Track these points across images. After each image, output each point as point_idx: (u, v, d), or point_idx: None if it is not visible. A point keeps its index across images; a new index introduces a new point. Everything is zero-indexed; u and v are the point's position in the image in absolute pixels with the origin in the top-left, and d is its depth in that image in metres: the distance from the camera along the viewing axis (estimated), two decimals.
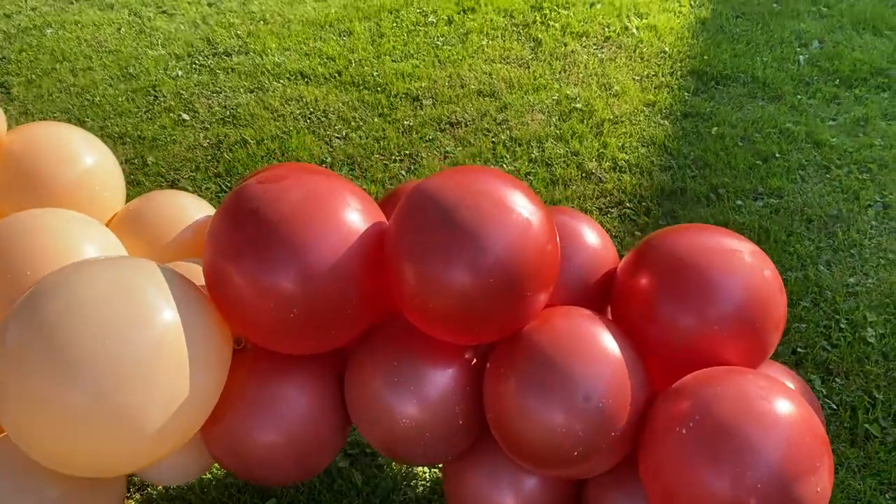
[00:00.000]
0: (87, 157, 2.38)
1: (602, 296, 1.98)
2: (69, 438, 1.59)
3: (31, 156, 2.29)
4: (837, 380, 2.74)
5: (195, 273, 1.99)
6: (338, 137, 4.28)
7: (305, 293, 1.69)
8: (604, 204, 3.65)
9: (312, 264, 1.68)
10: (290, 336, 1.79)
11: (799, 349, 2.86)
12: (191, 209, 2.45)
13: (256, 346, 1.99)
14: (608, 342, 1.71)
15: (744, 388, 1.60)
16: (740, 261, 1.75)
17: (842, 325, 2.93)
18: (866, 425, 2.57)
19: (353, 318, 1.80)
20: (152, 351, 1.62)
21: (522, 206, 1.69)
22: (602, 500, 1.90)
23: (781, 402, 1.57)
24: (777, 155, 3.85)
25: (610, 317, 1.97)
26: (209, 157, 4.20)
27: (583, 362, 1.65)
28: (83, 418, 1.56)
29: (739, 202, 3.57)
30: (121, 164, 4.30)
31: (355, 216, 1.77)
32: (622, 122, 4.17)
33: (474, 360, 1.92)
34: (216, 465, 2.26)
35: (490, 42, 5.00)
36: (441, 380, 1.84)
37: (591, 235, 2.02)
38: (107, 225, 2.38)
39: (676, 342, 1.74)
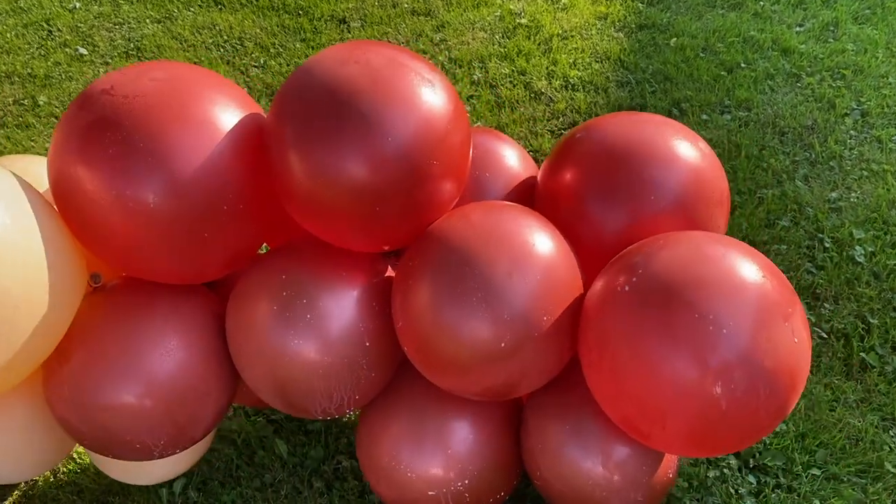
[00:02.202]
0: None
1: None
2: None
3: None
4: (826, 305, 2.41)
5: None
6: (255, 66, 3.80)
7: (169, 201, 1.38)
8: (556, 126, 3.25)
9: (183, 164, 1.37)
10: (153, 256, 1.46)
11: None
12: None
13: (120, 281, 1.64)
14: (532, 224, 1.46)
15: (692, 238, 1.39)
16: (673, 139, 1.54)
17: (826, 245, 2.60)
18: (862, 354, 2.26)
19: (232, 230, 1.48)
20: None
21: (423, 68, 1.42)
22: (544, 434, 1.62)
23: (736, 248, 1.35)
24: (742, 65, 3.49)
25: None
26: None
27: (504, 244, 1.42)
28: None
29: (705, 117, 3.20)
30: (7, 105, 3.79)
31: (227, 102, 1.47)
32: (572, 36, 3.76)
33: (381, 273, 1.63)
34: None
35: None
36: (340, 294, 1.53)
37: (506, 149, 1.80)
38: None
39: (609, 235, 1.55)
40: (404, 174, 1.37)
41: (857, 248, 2.57)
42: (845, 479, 2.00)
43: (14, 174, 1.43)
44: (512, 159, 1.77)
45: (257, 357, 1.53)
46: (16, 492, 2.10)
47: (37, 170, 1.94)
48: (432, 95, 1.39)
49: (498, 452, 1.66)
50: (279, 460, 2.13)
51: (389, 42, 1.53)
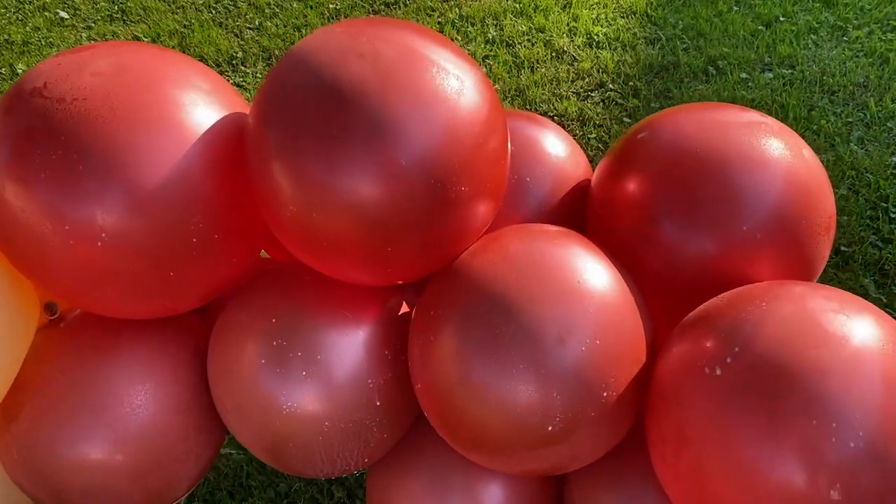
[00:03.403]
0: None
1: (574, 219, 1.39)
2: None
3: None
4: None
5: None
6: (250, 28, 3.52)
7: (130, 229, 1.06)
8: (582, 87, 2.98)
9: (139, 185, 1.05)
10: (108, 293, 1.14)
11: (842, 248, 2.28)
12: None
13: (79, 313, 1.34)
14: (589, 265, 1.12)
15: (802, 302, 1.03)
16: (771, 142, 1.19)
17: (892, 215, 2.35)
18: None
19: (206, 264, 1.16)
20: None
21: (447, 59, 1.07)
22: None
23: (862, 320, 0.99)
24: (781, 18, 3.21)
25: None
26: None
27: (554, 293, 1.08)
28: None
29: (745, 75, 2.93)
30: None
31: (197, 100, 1.12)
32: None
33: (395, 311, 1.31)
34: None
35: None
36: (344, 342, 1.21)
37: (553, 143, 1.42)
38: None
39: (686, 265, 1.21)
40: (424, 196, 1.05)
41: None
42: None
43: None
44: (559, 155, 1.42)
45: (244, 415, 1.24)
46: None
47: None
48: (460, 94, 1.07)
49: None
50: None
51: (403, 20, 1.16)
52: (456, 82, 1.06)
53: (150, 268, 1.09)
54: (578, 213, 1.40)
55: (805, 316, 1.01)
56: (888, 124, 2.67)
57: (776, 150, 1.20)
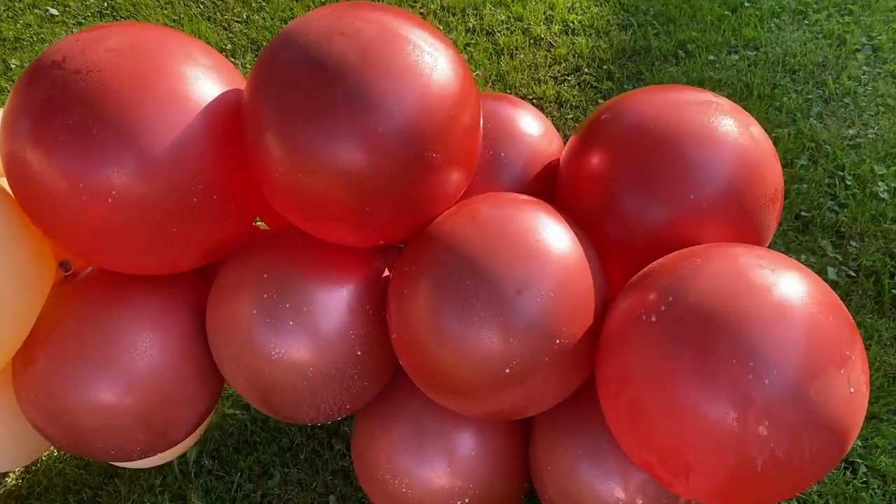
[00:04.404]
0: None
1: (545, 193, 1.48)
2: None
3: None
4: (852, 243, 2.34)
5: None
6: (238, 21, 3.63)
7: (138, 189, 1.18)
8: (559, 72, 3.13)
9: (146, 148, 1.17)
10: (116, 248, 1.26)
11: (803, 213, 2.44)
12: None
13: (91, 269, 1.46)
14: (549, 228, 1.23)
15: (734, 259, 1.14)
16: (721, 120, 1.30)
17: (847, 182, 2.52)
18: (893, 291, 2.19)
19: (205, 224, 1.29)
20: None
21: (423, 38, 1.20)
22: (554, 452, 1.40)
23: (789, 274, 1.11)
24: (746, 3, 3.37)
25: None
26: None
27: (514, 253, 1.20)
28: None
29: (712, 57, 3.09)
30: None
31: (199, 75, 1.25)
32: None
33: (378, 271, 1.43)
34: None
35: None
36: (329, 296, 1.33)
37: (528, 122, 1.53)
38: None
39: (643, 236, 1.32)
40: (402, 162, 1.17)
41: (881, 183, 2.49)
42: (885, 417, 1.94)
43: None
44: (533, 134, 1.53)
45: (237, 363, 1.37)
46: (19, 468, 1.98)
47: None
48: (434, 69, 1.18)
49: (506, 464, 1.49)
50: (296, 424, 2.02)
51: (383, 4, 1.29)
52: (430, 59, 1.17)
53: (154, 225, 1.21)
54: (550, 188, 1.51)
55: (734, 271, 1.11)
56: (845, 100, 2.84)
57: (726, 127, 1.30)
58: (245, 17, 3.64)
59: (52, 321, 1.36)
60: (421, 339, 1.24)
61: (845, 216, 2.41)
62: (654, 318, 1.12)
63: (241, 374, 1.37)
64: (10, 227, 1.25)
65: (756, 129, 1.34)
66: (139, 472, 1.94)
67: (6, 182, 1.31)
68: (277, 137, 1.16)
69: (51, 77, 1.18)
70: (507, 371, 1.19)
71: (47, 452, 2.01)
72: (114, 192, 1.16)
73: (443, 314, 1.20)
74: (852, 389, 1.08)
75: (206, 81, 1.24)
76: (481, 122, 1.32)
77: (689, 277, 1.13)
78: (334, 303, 1.33)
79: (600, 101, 2.98)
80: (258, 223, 1.72)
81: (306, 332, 1.30)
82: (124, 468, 1.96)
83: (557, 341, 1.19)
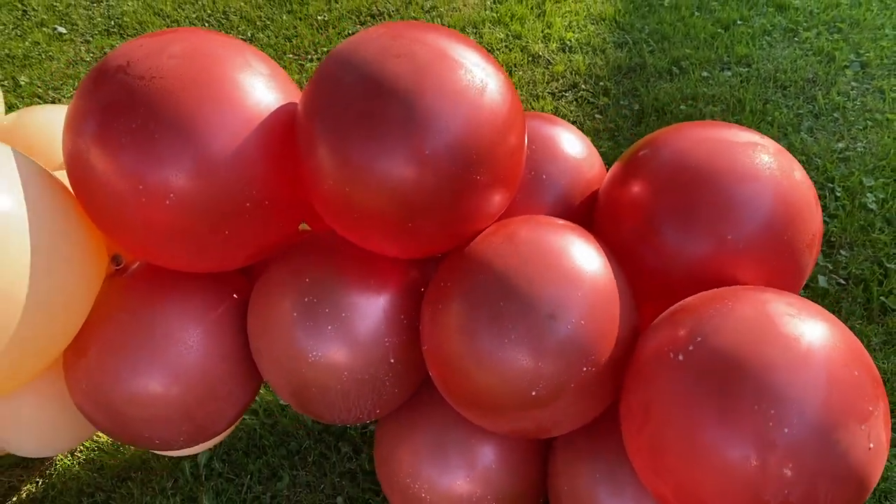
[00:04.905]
0: None
1: (585, 219, 1.52)
2: None
3: None
4: (842, 252, 2.41)
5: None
6: (243, 39, 3.70)
7: (196, 191, 1.23)
8: (556, 88, 3.21)
9: (205, 153, 1.22)
10: (169, 246, 1.32)
11: None
12: None
13: (140, 264, 1.53)
14: (584, 255, 1.27)
15: (763, 305, 1.15)
16: (764, 161, 1.31)
17: (837, 194, 2.59)
18: (882, 298, 2.26)
19: (255, 227, 1.34)
20: None
21: (474, 61, 1.23)
22: (574, 476, 1.44)
23: (815, 324, 1.12)
24: (738, 22, 3.47)
25: None
26: None
27: (550, 277, 1.22)
28: None
29: (705, 73, 3.18)
30: None
31: (258, 85, 1.29)
32: (565, 0, 3.71)
33: (415, 283, 1.48)
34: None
35: None
36: (367, 304, 1.38)
37: (571, 144, 1.54)
38: None
39: (680, 268, 1.33)
40: (448, 180, 1.20)
41: (869, 195, 2.56)
42: None
43: (17, 152, 1.32)
44: (575, 156, 1.54)
45: (275, 361, 1.42)
46: (35, 473, 2.03)
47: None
48: (484, 92, 1.21)
49: (523, 477, 1.53)
50: (304, 427, 2.08)
51: (435, 24, 1.34)
52: (480, 82, 1.21)
53: (208, 226, 1.26)
54: (589, 213, 1.52)
55: (763, 317, 1.12)
56: (834, 115, 2.93)
57: (769, 167, 1.30)
58: (250, 34, 3.73)
59: (103, 314, 1.42)
60: (451, 353, 1.27)
61: (835, 226, 2.49)
62: (681, 357, 1.14)
63: (279, 374, 1.42)
64: (69, 223, 1.31)
65: (799, 174, 1.34)
66: (151, 475, 2.00)
67: (65, 178, 1.37)
68: (330, 151, 1.20)
69: (116, 81, 1.23)
70: (534, 393, 1.21)
71: (60, 456, 2.07)
72: (172, 193, 1.21)
73: (475, 332, 1.23)
74: (871, 445, 1.08)
75: (262, 89, 1.28)
76: (526, 143, 1.35)
77: (718, 319, 1.14)
78: (371, 310, 1.37)
79: (597, 116, 3.06)
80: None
81: (343, 337, 1.35)
82: (135, 474, 2.01)
83: (584, 368, 1.21)
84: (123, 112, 1.20)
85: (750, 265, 1.29)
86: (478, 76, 1.21)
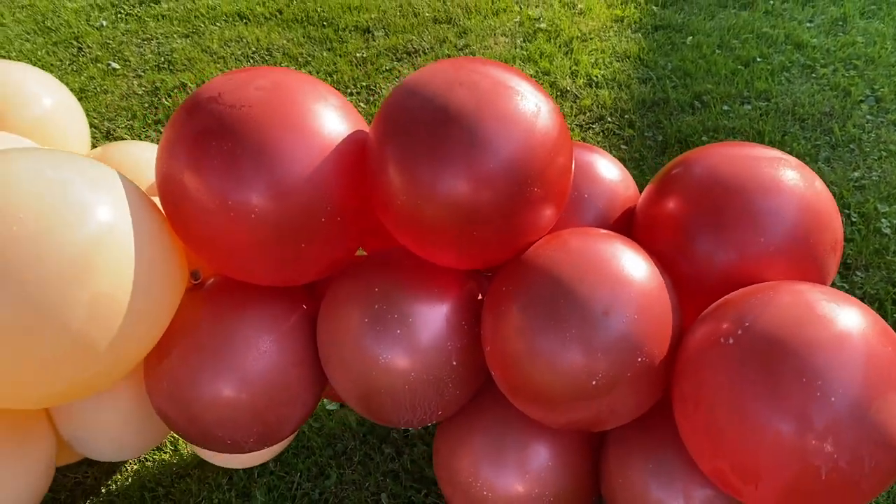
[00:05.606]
0: (46, 99, 2.08)
1: (623, 233, 1.66)
2: None
3: None
4: (858, 273, 2.54)
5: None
6: None
7: (277, 208, 1.38)
8: (584, 121, 3.39)
9: (286, 174, 1.37)
10: (251, 260, 1.47)
11: None
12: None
13: (216, 279, 1.68)
14: (631, 259, 1.40)
15: (801, 294, 1.28)
16: (787, 174, 1.44)
17: (853, 219, 2.73)
18: (895, 316, 2.38)
19: (328, 241, 1.49)
20: (87, 249, 1.31)
21: (528, 90, 1.39)
22: (627, 470, 1.55)
23: (849, 308, 1.25)
24: (758, 59, 3.63)
25: None
26: (146, 105, 3.82)
27: (601, 278, 1.35)
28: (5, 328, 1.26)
29: (726, 107, 3.34)
30: None
31: (332, 115, 1.46)
32: (591, 38, 3.91)
33: (473, 292, 1.61)
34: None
35: None
36: (431, 310, 1.51)
37: (607, 168, 1.71)
38: None
39: (714, 274, 1.46)
40: (506, 196, 1.33)
41: (883, 220, 2.69)
42: None
43: (119, 174, 1.47)
44: (612, 180, 1.70)
45: (345, 366, 1.54)
46: (99, 469, 2.18)
47: (144, 155, 2.07)
48: (538, 117, 1.36)
49: (577, 475, 1.63)
50: (349, 430, 2.22)
51: (492, 59, 1.50)
52: (534, 108, 1.36)
53: (287, 241, 1.42)
54: (626, 229, 1.67)
55: (802, 303, 1.26)
56: (850, 146, 3.07)
57: (792, 180, 1.43)
58: None
59: (185, 322, 1.56)
60: (513, 352, 1.39)
61: (851, 249, 2.61)
62: (731, 341, 1.26)
63: (348, 378, 1.54)
64: (162, 238, 1.46)
65: (819, 184, 1.48)
66: (207, 472, 2.14)
67: (158, 201, 1.53)
68: (400, 171, 1.34)
69: (208, 110, 1.39)
70: (594, 383, 1.33)
71: None
72: (256, 211, 1.36)
73: (535, 331, 1.35)
74: None
75: (334, 119, 1.44)
76: (573, 165, 1.50)
77: (762, 307, 1.27)
78: (435, 316, 1.50)
79: (623, 146, 3.23)
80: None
81: (410, 341, 1.47)
82: (193, 471, 2.16)
83: (639, 359, 1.33)
84: (215, 137, 1.36)
85: (777, 269, 1.42)
86: (532, 103, 1.36)
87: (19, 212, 1.27)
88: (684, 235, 1.48)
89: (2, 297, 1.23)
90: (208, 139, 1.37)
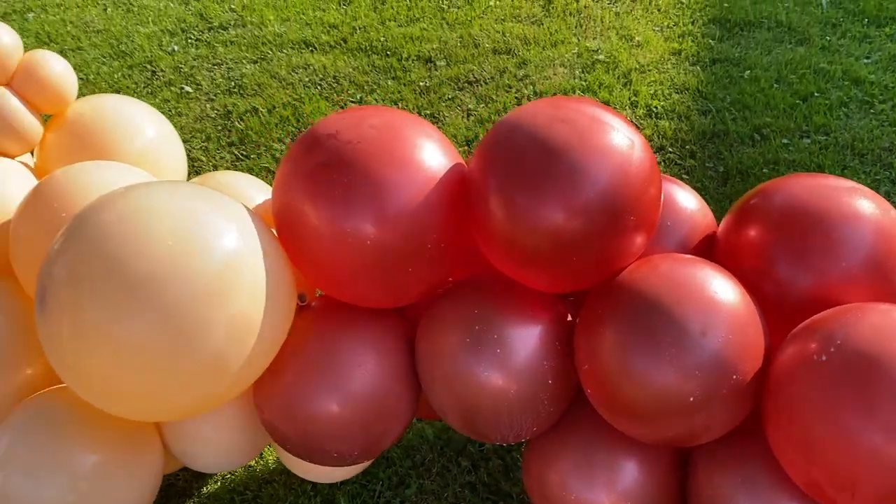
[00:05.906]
0: (150, 130, 2.29)
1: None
2: (127, 370, 1.41)
3: (98, 126, 2.23)
4: None
5: None
6: (353, 102, 4.08)
7: (387, 235, 1.50)
8: None
9: (396, 204, 1.49)
10: (362, 283, 1.59)
11: None
12: (250, 190, 2.23)
13: (320, 301, 1.80)
14: (721, 283, 1.48)
15: (888, 314, 1.36)
16: (864, 203, 1.52)
17: None
18: None
19: (432, 266, 1.60)
20: (223, 272, 1.44)
21: (622, 126, 1.49)
22: (714, 484, 1.60)
23: None
24: (816, 94, 3.71)
25: None
26: (220, 127, 3.98)
27: (696, 301, 1.42)
28: (142, 346, 1.38)
29: (786, 140, 3.42)
30: None
31: (436, 151, 1.58)
32: (650, 70, 4.01)
33: (562, 314, 1.70)
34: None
35: (498, 2, 4.81)
36: (527, 331, 1.60)
37: (686, 198, 1.80)
38: None
39: (796, 297, 1.53)
40: (604, 224, 1.42)
41: None
42: None
43: (244, 205, 1.60)
44: (692, 209, 1.78)
45: (446, 383, 1.62)
46: (192, 472, 2.30)
47: (238, 183, 2.20)
48: (632, 151, 1.44)
49: (666, 492, 1.69)
50: (427, 442, 2.31)
51: (585, 97, 1.61)
52: (628, 142, 1.45)
53: (396, 264, 1.54)
54: (707, 256, 1.72)
55: (891, 321, 1.33)
56: None
57: (868, 208, 1.52)
58: (359, 97, 4.10)
59: (297, 341, 1.68)
60: (609, 371, 1.46)
61: None
62: (824, 358, 1.32)
63: (449, 395, 1.64)
64: (280, 262, 1.58)
65: (895, 213, 1.56)
66: (293, 478, 2.25)
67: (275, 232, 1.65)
68: (503, 201, 1.44)
69: (327, 146, 1.52)
70: (692, 399, 1.39)
71: None
72: (370, 238, 1.48)
73: (633, 349, 1.42)
74: None
75: (437, 154, 1.57)
76: (662, 196, 1.60)
77: (852, 325, 1.34)
78: (531, 337, 1.59)
79: (684, 176, 3.31)
80: None
81: (509, 360, 1.56)
82: (279, 476, 2.26)
83: (734, 377, 1.40)
84: (334, 170, 1.49)
85: (857, 291, 1.49)
86: (626, 137, 1.46)
87: (168, 239, 1.39)
88: (768, 261, 1.56)
89: (149, 318, 1.36)
90: (327, 172, 1.50)
